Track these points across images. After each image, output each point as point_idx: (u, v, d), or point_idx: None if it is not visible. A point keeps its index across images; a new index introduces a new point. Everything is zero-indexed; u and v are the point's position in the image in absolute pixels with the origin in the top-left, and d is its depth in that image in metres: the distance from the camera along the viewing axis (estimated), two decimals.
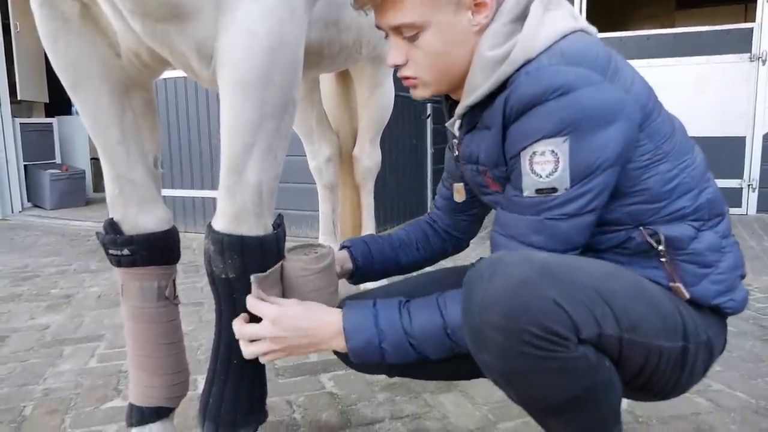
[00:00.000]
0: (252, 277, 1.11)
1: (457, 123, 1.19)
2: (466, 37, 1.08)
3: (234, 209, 1.10)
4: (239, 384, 1.19)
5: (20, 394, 1.89)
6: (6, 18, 6.22)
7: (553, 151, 0.98)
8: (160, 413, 1.33)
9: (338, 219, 2.76)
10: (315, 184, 2.71)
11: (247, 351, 1.13)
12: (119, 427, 1.64)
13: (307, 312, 1.10)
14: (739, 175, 4.96)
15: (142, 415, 1.32)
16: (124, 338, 1.35)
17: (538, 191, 1.00)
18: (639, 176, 1.02)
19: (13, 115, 6.49)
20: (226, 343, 1.18)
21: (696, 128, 4.48)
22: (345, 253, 1.38)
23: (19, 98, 6.54)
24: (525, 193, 1.02)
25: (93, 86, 1.16)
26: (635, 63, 5.12)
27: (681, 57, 4.98)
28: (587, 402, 0.96)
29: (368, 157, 2.66)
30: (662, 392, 1.07)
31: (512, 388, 0.97)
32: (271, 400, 1.73)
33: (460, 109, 1.13)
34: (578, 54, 1.00)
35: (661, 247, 1.03)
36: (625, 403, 1.44)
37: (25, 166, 6.67)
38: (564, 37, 1.02)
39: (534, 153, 0.99)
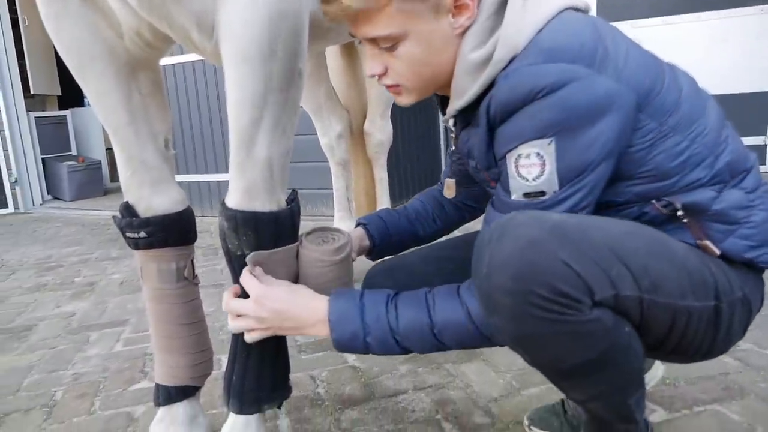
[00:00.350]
0: (249, 256, 1.10)
1: (452, 120, 1.15)
2: (449, 42, 1.02)
3: (245, 185, 1.09)
4: (261, 361, 1.20)
5: (51, 380, 1.93)
6: (14, 12, 6.24)
7: (538, 154, 0.94)
8: (186, 392, 1.34)
9: (353, 195, 2.75)
10: (327, 161, 2.70)
11: (232, 325, 1.12)
12: (147, 407, 1.66)
13: (291, 296, 1.08)
14: (762, 131, 4.84)
15: (168, 394, 1.33)
16: (148, 321, 1.36)
17: (526, 195, 0.97)
18: (644, 157, 0.97)
19: (28, 110, 6.56)
20: None
21: (717, 86, 4.36)
22: (361, 230, 1.37)
23: (32, 92, 6.60)
24: (513, 197, 0.98)
25: (98, 68, 1.15)
26: (651, 22, 4.99)
27: (700, 12, 4.83)
28: (603, 367, 0.94)
29: (380, 131, 2.64)
30: (698, 354, 1.02)
31: (525, 351, 0.96)
32: (294, 376, 1.75)
33: (450, 111, 1.09)
34: (560, 47, 0.93)
35: (680, 213, 0.99)
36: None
37: (42, 159, 6.74)
38: (549, 21, 0.96)
39: (519, 156, 0.96)
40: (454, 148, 1.23)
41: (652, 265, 0.91)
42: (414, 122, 4.80)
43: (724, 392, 1.53)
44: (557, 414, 1.35)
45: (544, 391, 1.58)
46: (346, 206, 2.72)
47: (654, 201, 1.00)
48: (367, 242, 1.36)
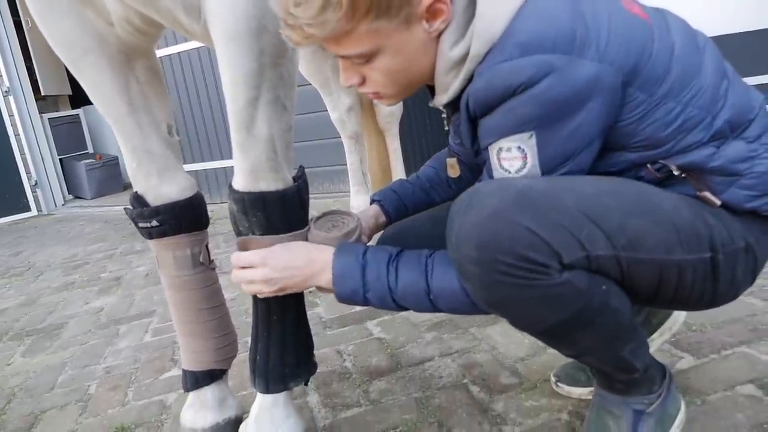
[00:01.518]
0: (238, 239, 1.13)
1: (442, 108, 1.14)
2: (426, 46, 0.98)
3: (249, 166, 1.09)
4: (282, 338, 1.20)
5: (84, 375, 1.96)
6: (16, 15, 6.26)
7: (519, 147, 0.93)
8: (213, 375, 1.36)
9: (367, 168, 2.73)
10: (340, 137, 2.68)
11: (246, 290, 1.14)
12: (179, 395, 1.69)
13: (294, 249, 1.10)
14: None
15: (195, 379, 1.35)
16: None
17: None
18: (634, 129, 0.94)
19: (40, 112, 6.61)
20: (262, 300, 1.19)
21: (730, 25, 4.24)
22: (376, 207, 1.35)
23: (42, 94, 6.63)
24: None
25: (91, 60, 1.14)
26: None
27: None
28: (582, 325, 0.94)
29: None
30: (701, 304, 1.01)
31: (502, 314, 0.97)
32: (320, 352, 1.77)
33: (437, 103, 1.08)
34: (535, 38, 0.88)
35: (676, 172, 0.97)
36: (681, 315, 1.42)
37: (60, 159, 6.82)
38: (522, 6, 0.91)
39: (500, 149, 0.95)
40: (447, 128, 1.24)
41: (629, 223, 0.90)
42: (424, 89, 4.75)
43: (752, 333, 1.51)
44: (583, 369, 1.35)
45: None
46: (362, 180, 2.71)
47: (648, 165, 0.98)
48: (383, 219, 1.34)
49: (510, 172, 0.95)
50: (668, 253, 0.91)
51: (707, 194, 0.96)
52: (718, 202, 0.96)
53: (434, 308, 1.01)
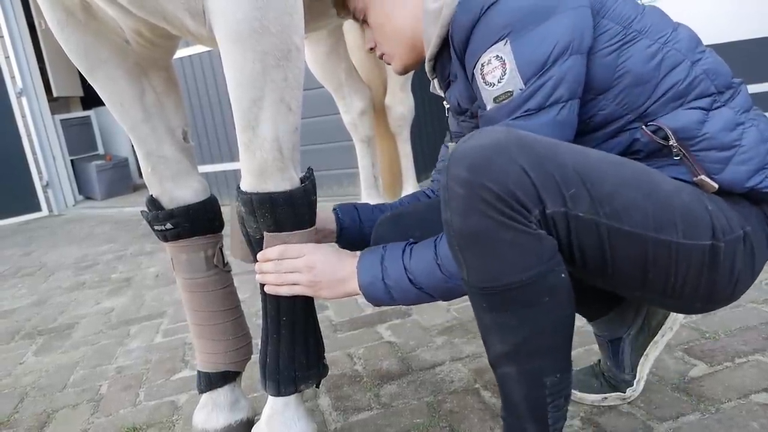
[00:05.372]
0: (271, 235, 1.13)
1: (437, 84, 1.22)
2: (398, 2, 1.17)
3: (255, 166, 1.09)
4: (292, 341, 1.20)
5: (95, 375, 1.98)
6: (30, 16, 6.30)
7: (497, 56, 0.98)
8: (227, 377, 1.37)
9: (379, 171, 2.74)
10: (351, 140, 2.69)
11: (282, 290, 1.17)
12: (190, 395, 1.70)
13: (334, 256, 1.13)
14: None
15: (209, 380, 1.35)
16: (185, 311, 1.38)
17: (496, 99, 1.00)
18: (615, 61, 0.99)
19: (52, 113, 6.65)
20: (272, 303, 1.19)
21: (741, 31, 4.22)
22: (330, 213, 1.35)
23: (54, 95, 6.67)
24: (488, 107, 1.02)
25: (108, 70, 1.16)
26: None
27: None
28: (523, 304, 0.89)
29: (401, 104, 2.62)
30: (698, 299, 0.97)
31: (464, 256, 0.91)
32: (331, 355, 1.77)
33: (427, 65, 1.18)
34: None
35: (672, 142, 0.97)
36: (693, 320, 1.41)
37: (71, 160, 6.85)
38: None
39: (483, 65, 1.00)
40: (448, 114, 1.29)
41: (620, 193, 0.89)
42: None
43: (766, 341, 1.50)
44: (596, 375, 1.35)
45: (582, 354, 1.57)
46: (373, 183, 2.71)
47: (643, 126, 0.99)
48: (333, 226, 1.34)
49: (494, 85, 0.99)
50: (657, 231, 0.90)
51: (704, 177, 0.97)
52: (716, 186, 0.96)
53: (446, 278, 1.00)
